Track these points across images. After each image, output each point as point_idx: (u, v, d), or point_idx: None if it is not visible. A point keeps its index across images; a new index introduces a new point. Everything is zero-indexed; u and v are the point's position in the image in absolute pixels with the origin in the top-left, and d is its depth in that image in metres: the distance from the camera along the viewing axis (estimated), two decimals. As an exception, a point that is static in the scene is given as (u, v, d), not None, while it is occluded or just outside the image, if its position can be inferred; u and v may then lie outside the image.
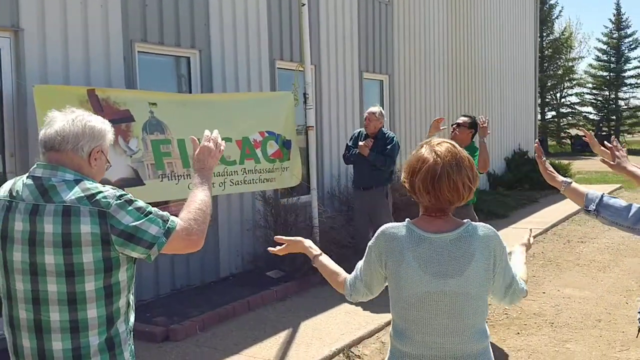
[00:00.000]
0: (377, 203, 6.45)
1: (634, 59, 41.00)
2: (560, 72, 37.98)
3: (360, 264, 2.21)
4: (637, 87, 40.89)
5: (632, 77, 40.67)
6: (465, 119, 5.66)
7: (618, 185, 16.08)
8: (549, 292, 6.23)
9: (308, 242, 2.45)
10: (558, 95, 39.64)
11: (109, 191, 1.99)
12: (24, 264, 1.96)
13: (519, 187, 14.62)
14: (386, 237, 2.06)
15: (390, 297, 2.13)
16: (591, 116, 40.91)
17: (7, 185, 2.10)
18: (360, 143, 6.34)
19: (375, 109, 6.53)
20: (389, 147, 6.35)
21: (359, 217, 6.71)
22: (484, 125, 5.31)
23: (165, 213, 2.08)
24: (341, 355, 4.68)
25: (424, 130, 11.14)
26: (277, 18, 7.79)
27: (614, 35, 40.74)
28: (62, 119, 2.09)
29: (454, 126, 5.67)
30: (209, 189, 2.26)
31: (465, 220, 2.07)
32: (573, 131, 40.11)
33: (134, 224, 1.95)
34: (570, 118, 39.96)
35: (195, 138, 2.41)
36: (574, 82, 40.57)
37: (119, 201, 1.97)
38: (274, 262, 6.74)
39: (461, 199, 2.00)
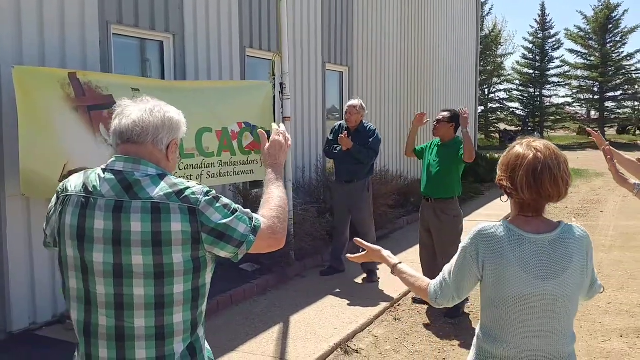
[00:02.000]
0: (358, 196, 6.41)
1: (557, 58, 42.64)
2: (489, 67, 39.23)
3: (447, 266, 2.15)
4: (559, 85, 42.89)
5: (554, 75, 42.63)
6: (445, 113, 5.72)
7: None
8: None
9: (386, 252, 2.40)
10: (487, 90, 40.97)
11: (196, 187, 1.86)
12: (107, 265, 1.78)
13: (463, 180, 14.98)
14: (484, 237, 2.01)
15: (483, 299, 2.09)
16: (518, 112, 42.56)
17: (78, 179, 1.91)
18: (342, 136, 6.27)
19: (356, 102, 6.48)
20: (371, 139, 6.32)
21: (338, 210, 6.66)
22: (465, 115, 5.40)
23: (248, 210, 1.96)
24: (339, 350, 4.64)
25: (379, 121, 11.25)
26: (247, 5, 7.59)
27: (539, 35, 42.48)
28: (139, 109, 1.93)
29: (434, 123, 5.72)
30: (283, 184, 2.15)
31: (559, 221, 2.06)
32: (502, 125, 41.72)
33: (223, 221, 1.83)
34: (498, 113, 41.42)
35: (263, 132, 2.29)
36: (502, 79, 42.03)
37: (207, 197, 1.84)
38: (247, 254, 6.59)
39: (560, 195, 1.99)
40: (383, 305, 5.61)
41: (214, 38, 7.01)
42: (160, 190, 1.80)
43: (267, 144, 2.22)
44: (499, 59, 41.08)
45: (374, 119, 11.25)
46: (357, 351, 4.66)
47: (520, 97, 42.68)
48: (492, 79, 40.79)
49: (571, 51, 41.59)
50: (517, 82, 42.80)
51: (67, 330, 4.93)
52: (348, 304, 5.61)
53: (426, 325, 5.27)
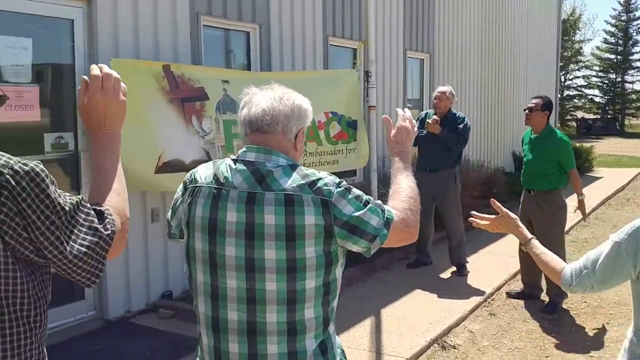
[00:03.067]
0: (445, 186, 6.19)
1: (642, 42, 40.34)
2: (566, 54, 37.64)
3: (591, 255, 1.98)
4: (643, 70, 40.71)
5: (639, 60, 40.43)
6: (536, 100, 5.38)
7: (638, 170, 15.89)
8: (619, 280, 6.06)
9: (522, 226, 2.26)
10: (563, 77, 39.37)
11: (327, 177, 1.76)
12: (239, 259, 1.72)
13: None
14: None
15: (636, 300, 1.91)
16: (597, 99, 40.69)
17: (208, 170, 1.85)
18: (429, 120, 6.06)
19: (446, 88, 6.27)
20: (460, 126, 6.08)
21: (422, 201, 6.45)
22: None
23: (380, 202, 1.85)
24: (436, 345, 4.50)
25: (459, 108, 10.91)
26: (331, -7, 7.50)
27: (623, 18, 40.34)
28: (268, 97, 1.85)
29: (525, 111, 5.41)
30: (412, 173, 2.04)
31: None
32: (579, 113, 39.98)
33: (356, 214, 1.73)
34: (576, 100, 39.72)
35: (388, 117, 2.17)
36: (582, 65, 40.25)
37: (339, 189, 1.74)
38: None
39: None
40: (476, 299, 5.42)
41: (298, 27, 6.96)
42: (292, 181, 1.72)
43: (393, 131, 2.10)
44: (577, 45, 39.35)
45: (454, 106, 10.94)
46: (454, 347, 4.50)
47: (599, 83, 40.77)
48: (569, 66, 39.13)
49: (657, 34, 39.37)
50: (597, 68, 40.90)
51: (160, 319, 5.02)
52: (439, 298, 5.45)
53: (524, 321, 5.05)
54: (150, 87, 4.65)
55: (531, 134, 5.38)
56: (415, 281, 5.95)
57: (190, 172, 1.91)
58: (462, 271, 6.19)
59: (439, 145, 6.08)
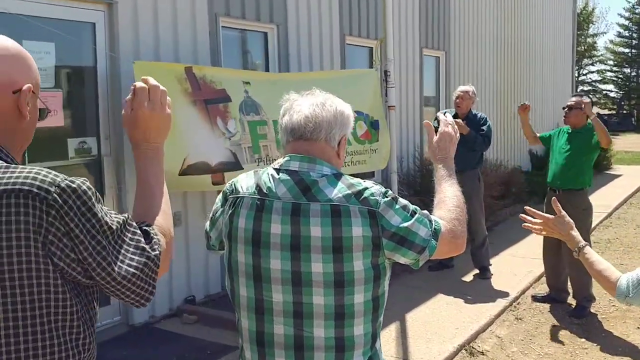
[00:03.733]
0: (469, 187, 6.06)
1: (657, 35, 39.85)
2: (580, 48, 37.28)
3: None
4: (658, 64, 40.22)
5: (654, 54, 40.00)
6: (575, 99, 5.35)
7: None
8: (646, 282, 5.95)
9: (575, 231, 2.17)
10: (577, 72, 38.99)
11: (374, 187, 1.70)
12: (285, 272, 1.66)
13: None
14: None
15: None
16: (612, 94, 40.29)
17: (250, 180, 1.79)
18: (457, 121, 5.94)
19: (468, 87, 6.18)
20: (484, 127, 5.99)
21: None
22: (587, 101, 5.17)
23: (426, 211, 1.79)
24: (464, 351, 4.42)
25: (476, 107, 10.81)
26: (347, -9, 7.42)
27: (637, 10, 39.86)
28: (310, 103, 1.80)
29: (564, 109, 5.35)
30: (456, 181, 1.97)
31: None
32: (594, 109, 39.54)
33: (404, 225, 1.67)
34: (590, 96, 39.34)
35: (429, 122, 2.11)
36: (596, 59, 39.86)
37: (386, 199, 1.68)
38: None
39: None
40: (502, 303, 5.33)
41: (315, 26, 6.89)
42: (338, 191, 1.66)
43: (436, 137, 2.04)
44: (591, 39, 38.96)
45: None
46: (482, 353, 4.43)
47: (614, 78, 40.35)
48: (583, 60, 38.76)
49: (673, 27, 38.88)
50: (611, 62, 40.52)
51: (184, 324, 4.99)
52: (464, 302, 5.36)
53: (552, 326, 4.96)
54: (173, 89, 4.59)
55: (568, 130, 5.29)
56: (438, 284, 5.87)
57: (230, 182, 1.86)
58: (485, 274, 6.10)
59: (462, 146, 5.91)
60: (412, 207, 1.73)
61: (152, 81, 1.55)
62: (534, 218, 2.29)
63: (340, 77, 6.30)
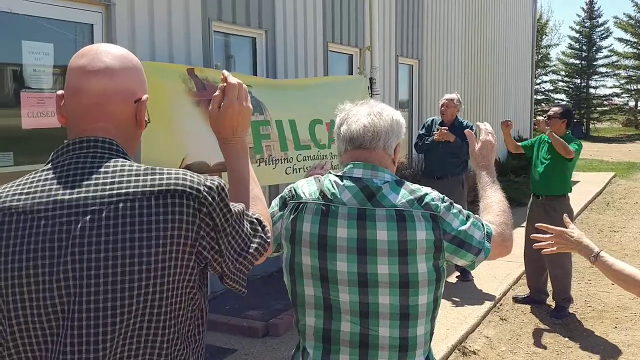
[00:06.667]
0: (453, 193, 6.25)
1: (605, 48, 41.41)
2: (534, 58, 38.43)
3: None
4: (607, 75, 41.78)
5: (602, 65, 41.51)
6: (556, 109, 5.56)
7: (612, 174, 16.35)
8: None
9: (586, 240, 2.25)
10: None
11: (433, 192, 1.80)
12: (352, 274, 1.74)
13: (523, 175, 14.73)
14: None
15: None
16: (563, 103, 41.61)
17: (312, 186, 1.85)
18: (443, 129, 6.13)
19: (453, 95, 6.36)
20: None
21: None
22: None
23: (478, 216, 1.90)
24: (457, 351, 4.57)
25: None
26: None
27: (586, 24, 41.36)
28: (367, 112, 1.88)
29: (546, 119, 5.56)
30: (499, 187, 2.08)
31: None
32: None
33: (462, 228, 1.77)
34: (543, 105, 40.57)
35: (471, 132, 2.21)
36: (549, 69, 41.15)
37: (445, 203, 1.78)
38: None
39: None
40: (487, 304, 5.52)
41: (301, 32, 6.98)
42: (402, 197, 1.75)
43: (477, 145, 2.15)
44: (545, 50, 40.20)
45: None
46: (474, 352, 4.59)
47: (566, 88, 41.72)
48: (537, 70, 39.95)
49: (620, 40, 40.45)
50: (563, 73, 41.84)
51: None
52: (451, 304, 5.52)
53: (536, 326, 5.16)
54: (178, 88, 4.59)
55: (548, 140, 5.50)
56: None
57: (289, 187, 1.92)
58: (467, 276, 6.29)
59: (446, 152, 6.17)
60: (465, 211, 1.84)
61: (232, 79, 1.61)
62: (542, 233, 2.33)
63: (333, 83, 6.41)
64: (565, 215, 2.43)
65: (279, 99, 5.29)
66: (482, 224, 1.84)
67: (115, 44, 1.43)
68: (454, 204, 1.82)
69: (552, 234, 2.31)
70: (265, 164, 5.08)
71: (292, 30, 6.82)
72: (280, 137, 5.19)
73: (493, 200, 1.99)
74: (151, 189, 1.22)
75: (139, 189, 1.21)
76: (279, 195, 1.95)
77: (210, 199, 1.26)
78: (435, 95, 11.08)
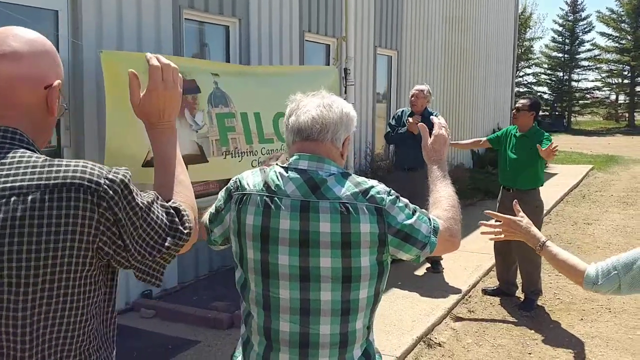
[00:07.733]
0: (423, 185, 6.27)
1: (587, 41, 41.89)
2: (517, 51, 38.58)
3: (623, 257, 2.04)
4: (588, 69, 42.11)
5: (585, 59, 41.83)
6: (524, 101, 5.56)
7: (590, 167, 16.49)
8: (586, 276, 6.30)
9: (534, 229, 2.27)
10: (514, 74, 40.34)
11: (379, 185, 1.78)
12: (293, 268, 1.71)
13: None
14: None
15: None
16: (546, 96, 41.90)
17: (256, 177, 1.82)
18: (410, 119, 6.12)
19: (423, 86, 6.35)
20: (439, 126, 6.17)
21: (400, 198, 6.54)
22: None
23: (425, 210, 1.88)
24: (422, 343, 4.58)
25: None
26: (306, -13, 7.47)
27: (570, 18, 41.63)
28: (316, 104, 1.85)
29: (514, 111, 5.58)
30: (450, 181, 2.07)
31: None
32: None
33: (408, 222, 1.75)
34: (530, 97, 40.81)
35: (424, 125, 2.19)
36: (532, 62, 41.38)
37: (390, 197, 1.75)
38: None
39: None
40: (454, 297, 5.54)
41: (276, 22, 6.92)
42: (346, 189, 1.72)
43: (430, 139, 2.13)
44: (528, 42, 40.41)
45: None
46: (439, 344, 4.60)
47: (548, 81, 42.03)
48: (519, 63, 40.13)
49: (602, 34, 40.77)
50: (546, 66, 42.13)
51: (142, 318, 4.95)
52: (420, 296, 5.54)
53: (503, 318, 5.20)
54: (142, 79, 4.52)
55: (516, 132, 5.50)
56: (391, 279, 5.98)
57: (234, 178, 1.88)
58: (437, 268, 6.30)
59: (416, 144, 6.12)
60: (412, 205, 1.82)
61: (163, 59, 1.57)
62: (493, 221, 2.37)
63: (303, 73, 6.37)
64: (515, 202, 2.43)
65: (245, 90, 5.24)
66: (429, 218, 1.82)
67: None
68: (401, 198, 1.80)
69: (501, 221, 2.33)
70: (232, 157, 5.03)
71: (267, 19, 6.75)
72: (245, 130, 5.15)
73: (442, 195, 1.97)
74: (47, 182, 1.17)
75: (34, 182, 1.17)
76: (225, 187, 1.92)
77: (111, 192, 1.21)
78: (413, 86, 11.06)
